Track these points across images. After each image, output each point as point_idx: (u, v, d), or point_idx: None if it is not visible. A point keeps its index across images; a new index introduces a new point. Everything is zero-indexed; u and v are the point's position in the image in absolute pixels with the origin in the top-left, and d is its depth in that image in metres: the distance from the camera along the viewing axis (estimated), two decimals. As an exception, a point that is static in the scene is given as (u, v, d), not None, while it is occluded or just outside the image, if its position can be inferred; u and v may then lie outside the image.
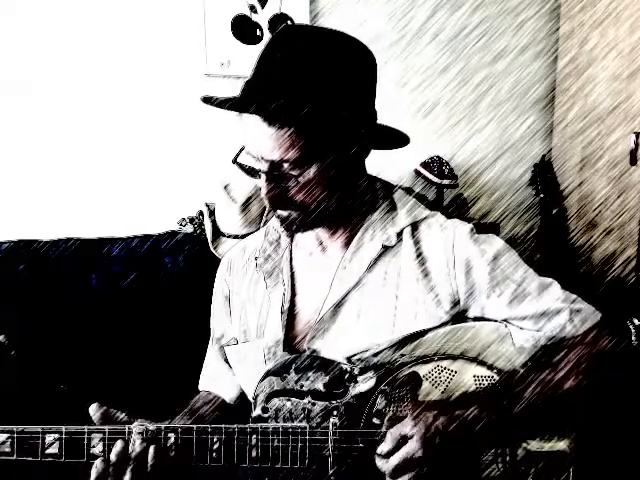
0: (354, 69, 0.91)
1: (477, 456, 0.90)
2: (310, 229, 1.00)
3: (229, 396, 1.14)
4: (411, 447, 0.82)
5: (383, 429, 0.88)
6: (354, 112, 0.91)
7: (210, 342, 1.19)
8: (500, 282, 0.95)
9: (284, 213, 0.95)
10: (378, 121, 0.97)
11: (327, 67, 0.87)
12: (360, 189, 1.00)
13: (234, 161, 0.94)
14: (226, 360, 1.14)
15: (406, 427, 0.83)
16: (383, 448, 0.84)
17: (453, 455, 0.84)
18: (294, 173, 0.89)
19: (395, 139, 0.98)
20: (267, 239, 1.10)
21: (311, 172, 0.89)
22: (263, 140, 0.87)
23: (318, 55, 0.87)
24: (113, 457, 0.85)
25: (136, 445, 0.86)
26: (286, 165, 0.88)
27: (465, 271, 0.96)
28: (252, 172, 0.93)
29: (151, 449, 0.86)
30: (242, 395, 1.13)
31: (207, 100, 0.91)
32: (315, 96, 0.85)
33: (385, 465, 0.84)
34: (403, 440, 0.83)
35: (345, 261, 1.00)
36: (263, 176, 0.90)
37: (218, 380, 1.16)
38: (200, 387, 1.19)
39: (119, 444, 0.86)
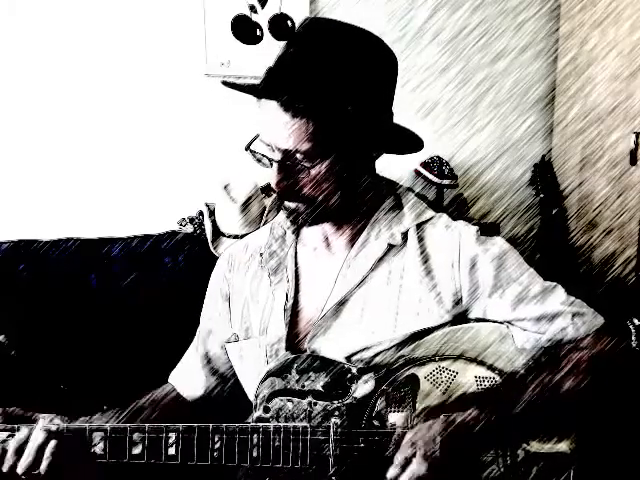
0: (376, 67, 0.92)
1: (477, 456, 0.90)
2: (316, 224, 1.00)
3: (189, 394, 1.13)
4: (415, 467, 0.81)
5: (391, 446, 0.88)
6: (372, 108, 0.91)
7: (196, 335, 1.18)
8: (504, 283, 0.96)
9: (292, 205, 0.95)
10: None
11: (350, 62, 0.88)
12: (366, 186, 1.00)
13: (247, 148, 0.94)
14: (205, 356, 1.14)
15: (406, 450, 0.83)
16: (391, 474, 0.83)
17: (456, 459, 0.84)
18: (306, 165, 0.89)
19: (409, 142, 0.98)
20: (272, 235, 1.09)
21: (323, 165, 0.89)
22: (279, 128, 0.87)
23: (342, 49, 0.88)
24: (14, 444, 0.88)
25: (38, 439, 0.88)
26: (299, 156, 0.88)
27: (469, 269, 0.96)
28: (261, 160, 0.93)
29: (50, 444, 0.87)
30: (206, 396, 1.13)
31: (227, 84, 0.92)
32: (336, 89, 0.86)
33: None
34: (407, 462, 0.83)
35: (350, 259, 1.00)
36: (275, 165, 0.90)
37: (186, 375, 1.15)
38: (169, 378, 1.18)
39: (23, 432, 0.89)
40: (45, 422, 0.90)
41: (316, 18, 0.96)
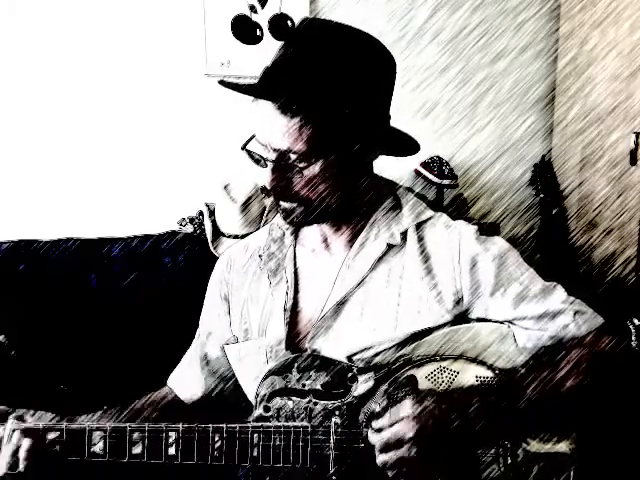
0: (373, 69, 0.92)
1: (474, 452, 0.90)
2: (313, 224, 1.00)
3: (186, 396, 1.14)
4: (403, 426, 0.82)
5: (382, 403, 0.88)
6: (367, 111, 0.91)
7: (195, 337, 1.18)
8: (505, 281, 0.96)
9: (287, 206, 0.95)
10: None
11: (346, 64, 0.87)
12: (364, 187, 1.00)
13: (243, 147, 0.94)
14: (204, 358, 1.14)
15: (405, 408, 0.83)
16: (378, 422, 0.84)
17: (446, 443, 0.84)
18: (300, 165, 0.89)
19: (405, 145, 0.98)
20: (271, 237, 1.09)
21: (317, 167, 0.89)
22: (274, 128, 0.87)
23: (340, 51, 0.88)
24: None
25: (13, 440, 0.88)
26: (293, 156, 0.88)
27: (470, 269, 0.96)
28: (259, 161, 0.93)
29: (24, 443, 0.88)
30: (205, 397, 1.13)
31: (224, 83, 0.92)
32: (331, 91, 0.86)
33: (376, 438, 0.84)
34: (399, 421, 0.83)
35: (349, 259, 1.00)
36: (269, 165, 0.90)
37: (184, 378, 1.15)
38: (168, 381, 1.18)
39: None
40: (13, 422, 0.90)
41: (314, 19, 0.96)
